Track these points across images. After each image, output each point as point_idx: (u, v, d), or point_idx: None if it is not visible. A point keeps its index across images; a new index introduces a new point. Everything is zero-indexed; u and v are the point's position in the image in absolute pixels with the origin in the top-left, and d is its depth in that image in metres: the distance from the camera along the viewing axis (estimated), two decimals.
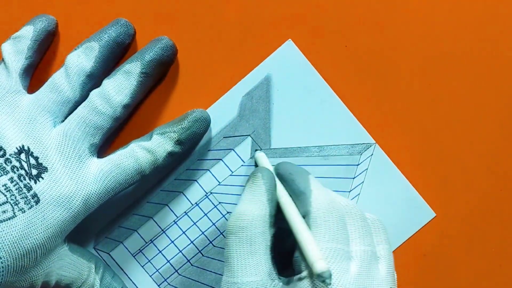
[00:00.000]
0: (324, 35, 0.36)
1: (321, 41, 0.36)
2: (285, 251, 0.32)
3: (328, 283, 0.27)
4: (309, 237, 0.29)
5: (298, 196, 0.31)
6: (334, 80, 0.36)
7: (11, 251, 0.30)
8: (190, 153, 0.36)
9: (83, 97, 0.34)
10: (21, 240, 0.30)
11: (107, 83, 0.34)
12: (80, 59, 0.34)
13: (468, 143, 0.36)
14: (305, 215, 0.31)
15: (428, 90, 0.35)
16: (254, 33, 0.36)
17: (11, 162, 0.31)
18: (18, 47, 0.34)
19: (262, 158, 0.35)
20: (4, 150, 0.32)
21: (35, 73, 0.36)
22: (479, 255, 0.36)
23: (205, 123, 0.35)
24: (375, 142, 0.35)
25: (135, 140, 0.34)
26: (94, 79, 0.34)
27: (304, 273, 0.29)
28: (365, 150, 0.35)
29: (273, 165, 0.34)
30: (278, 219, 0.32)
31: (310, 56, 0.36)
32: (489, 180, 0.36)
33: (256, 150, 0.36)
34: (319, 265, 0.27)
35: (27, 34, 0.35)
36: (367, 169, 0.36)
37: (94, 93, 0.34)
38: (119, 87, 0.34)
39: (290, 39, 0.36)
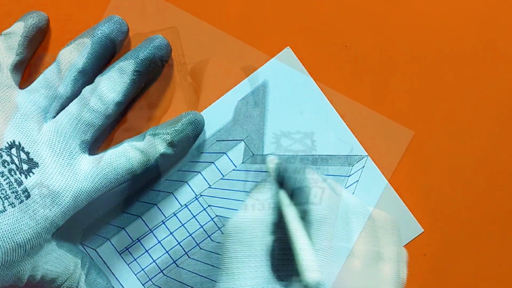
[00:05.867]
0: (322, 45, 0.35)
1: (319, 50, 0.35)
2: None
3: None
4: (304, 244, 0.28)
5: (296, 193, 0.30)
6: (331, 89, 0.35)
7: None
8: (183, 154, 0.36)
9: (75, 93, 0.34)
10: (10, 235, 0.30)
11: (100, 80, 0.34)
12: (72, 55, 0.34)
13: (462, 156, 0.36)
14: (305, 214, 0.30)
15: (422, 108, 0.36)
16: (253, 37, 0.36)
17: (1, 157, 0.31)
18: (9, 43, 0.34)
19: (269, 163, 0.34)
20: None
21: (27, 69, 0.36)
22: (479, 255, 0.36)
23: (199, 126, 0.35)
24: (367, 154, 0.35)
25: (128, 139, 0.34)
26: (86, 76, 0.34)
27: None
28: (357, 162, 0.35)
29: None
30: (280, 229, 0.31)
31: (307, 64, 0.35)
32: (488, 181, 0.36)
33: (267, 154, 0.36)
34: (310, 275, 0.27)
35: (18, 31, 0.35)
36: (357, 180, 0.36)
37: (86, 90, 0.34)
38: (112, 84, 0.34)
39: (288, 47, 0.35)
